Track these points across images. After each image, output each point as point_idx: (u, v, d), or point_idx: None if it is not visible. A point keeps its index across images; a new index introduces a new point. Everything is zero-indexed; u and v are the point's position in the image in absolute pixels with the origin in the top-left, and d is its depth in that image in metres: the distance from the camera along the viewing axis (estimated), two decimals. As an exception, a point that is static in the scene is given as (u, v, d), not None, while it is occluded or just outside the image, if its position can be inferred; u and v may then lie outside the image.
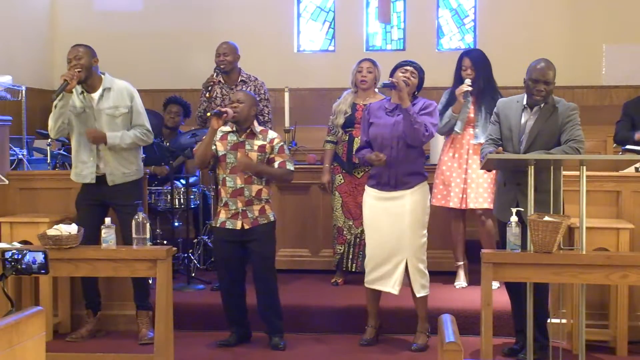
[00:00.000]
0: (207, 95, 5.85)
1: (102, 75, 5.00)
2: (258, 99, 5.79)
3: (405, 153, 4.69)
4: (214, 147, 4.85)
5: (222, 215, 4.87)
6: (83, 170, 4.99)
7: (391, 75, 4.80)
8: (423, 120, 4.62)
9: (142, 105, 5.09)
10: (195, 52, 9.46)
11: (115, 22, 9.56)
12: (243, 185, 4.81)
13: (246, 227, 4.81)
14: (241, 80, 5.88)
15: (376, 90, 5.70)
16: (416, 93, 4.82)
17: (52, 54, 9.76)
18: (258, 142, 4.87)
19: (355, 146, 5.60)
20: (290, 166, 4.91)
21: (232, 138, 4.88)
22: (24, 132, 7.62)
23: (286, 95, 6.23)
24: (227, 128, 4.92)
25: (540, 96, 4.39)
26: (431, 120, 4.67)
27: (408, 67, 4.79)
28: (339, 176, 5.74)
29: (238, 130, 4.89)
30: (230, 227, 4.83)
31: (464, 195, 5.57)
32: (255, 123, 4.96)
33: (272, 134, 4.95)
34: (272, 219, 4.90)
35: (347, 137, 5.67)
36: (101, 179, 4.97)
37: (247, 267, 5.00)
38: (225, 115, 4.78)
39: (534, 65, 4.42)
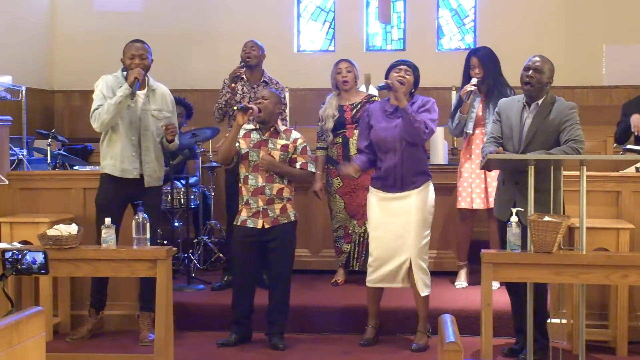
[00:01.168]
0: (233, 85, 5.80)
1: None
2: None
3: (409, 154, 4.69)
4: (236, 145, 4.85)
5: (244, 214, 4.86)
6: (129, 165, 4.94)
7: (386, 76, 4.80)
8: (422, 118, 4.63)
9: None
10: (195, 52, 9.48)
11: (115, 22, 9.57)
12: (264, 184, 4.81)
13: (266, 226, 4.81)
14: (263, 81, 5.86)
15: (358, 88, 5.74)
16: (413, 91, 4.82)
17: (52, 54, 9.78)
18: (281, 141, 4.87)
19: (350, 147, 5.60)
20: (312, 168, 4.93)
21: (255, 136, 4.88)
22: (24, 132, 7.63)
23: (286, 95, 6.23)
24: (251, 126, 4.91)
25: (530, 84, 4.40)
26: (430, 116, 4.68)
27: (402, 66, 4.79)
28: (337, 179, 5.72)
29: (261, 128, 4.89)
30: (251, 226, 4.83)
31: (485, 195, 5.55)
32: (279, 122, 4.97)
33: (295, 134, 4.95)
34: (293, 218, 4.89)
35: (341, 139, 5.66)
36: (140, 176, 4.98)
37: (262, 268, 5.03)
38: (251, 111, 4.78)
39: (529, 58, 4.46)
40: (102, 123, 4.87)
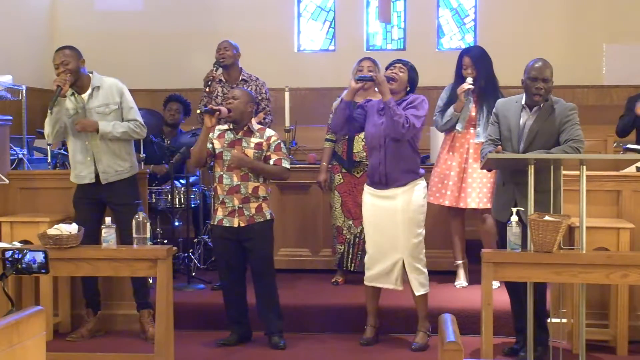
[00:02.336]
0: (207, 90, 5.83)
1: (91, 75, 4.99)
2: (260, 98, 5.79)
3: (395, 151, 4.69)
4: (210, 145, 4.84)
5: (220, 213, 4.87)
6: (82, 171, 4.98)
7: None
8: (404, 113, 4.63)
9: (132, 100, 5.07)
10: (195, 52, 9.45)
11: (116, 22, 9.56)
12: (239, 183, 4.80)
13: (242, 224, 4.81)
14: (242, 80, 5.88)
15: (377, 89, 5.72)
16: (408, 89, 4.82)
17: (52, 54, 9.76)
18: (255, 140, 4.86)
19: (355, 144, 5.62)
20: (286, 164, 4.89)
21: (229, 136, 4.88)
22: (24, 132, 7.62)
23: (286, 95, 6.23)
24: (224, 126, 4.92)
25: (539, 94, 4.39)
26: (416, 112, 4.67)
27: (396, 65, 4.82)
28: (339, 175, 5.74)
29: (235, 128, 4.89)
30: (227, 225, 4.83)
31: (463, 194, 5.56)
32: (253, 121, 4.96)
33: (269, 131, 4.94)
34: (268, 217, 4.89)
35: (347, 136, 5.67)
36: (97, 178, 4.97)
37: (247, 266, 5.01)
38: (218, 112, 4.78)
39: (531, 64, 4.43)
40: (47, 136, 4.97)
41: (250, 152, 4.82)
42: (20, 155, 6.68)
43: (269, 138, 4.88)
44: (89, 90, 4.95)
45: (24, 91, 7.76)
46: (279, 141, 4.91)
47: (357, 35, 9.68)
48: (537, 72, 4.38)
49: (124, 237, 4.74)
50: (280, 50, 9.56)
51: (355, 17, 9.71)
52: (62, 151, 6.99)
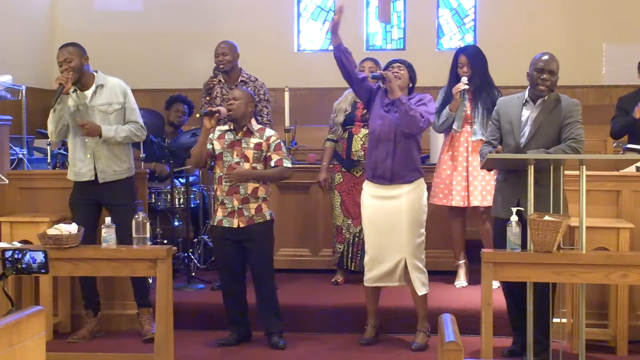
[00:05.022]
0: (207, 98, 5.85)
1: (95, 73, 5.00)
2: (257, 99, 5.79)
3: (402, 147, 4.70)
4: (210, 146, 4.85)
5: (219, 214, 4.87)
6: (81, 168, 4.97)
7: None
8: (418, 109, 4.65)
9: (135, 101, 5.08)
10: (196, 52, 9.45)
11: (116, 21, 9.56)
12: (239, 184, 4.81)
13: (242, 225, 4.81)
14: (241, 81, 5.88)
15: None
16: (411, 85, 4.84)
17: (52, 54, 9.69)
18: (254, 140, 4.86)
19: (354, 143, 5.62)
20: (287, 163, 4.89)
21: (229, 136, 4.88)
22: (24, 132, 7.62)
23: (286, 95, 6.23)
24: (225, 127, 4.92)
25: (545, 86, 4.40)
26: (426, 109, 4.72)
27: (394, 64, 4.84)
28: (338, 175, 5.74)
29: (235, 128, 4.89)
30: (227, 226, 4.84)
31: (466, 193, 5.57)
32: (253, 121, 4.96)
33: (269, 131, 4.94)
34: (268, 217, 4.90)
35: (347, 135, 5.68)
36: (95, 177, 4.97)
37: (247, 266, 5.01)
38: (217, 114, 4.78)
39: (538, 57, 4.45)
40: (50, 133, 4.98)
41: (250, 153, 4.82)
42: (20, 155, 6.68)
43: (268, 138, 4.87)
44: (92, 88, 4.95)
45: (24, 91, 7.75)
46: (278, 140, 4.90)
47: (356, 35, 9.67)
48: (544, 63, 4.40)
49: (122, 239, 4.72)
50: (280, 50, 9.55)
51: (354, 17, 9.69)
52: (62, 151, 6.99)
